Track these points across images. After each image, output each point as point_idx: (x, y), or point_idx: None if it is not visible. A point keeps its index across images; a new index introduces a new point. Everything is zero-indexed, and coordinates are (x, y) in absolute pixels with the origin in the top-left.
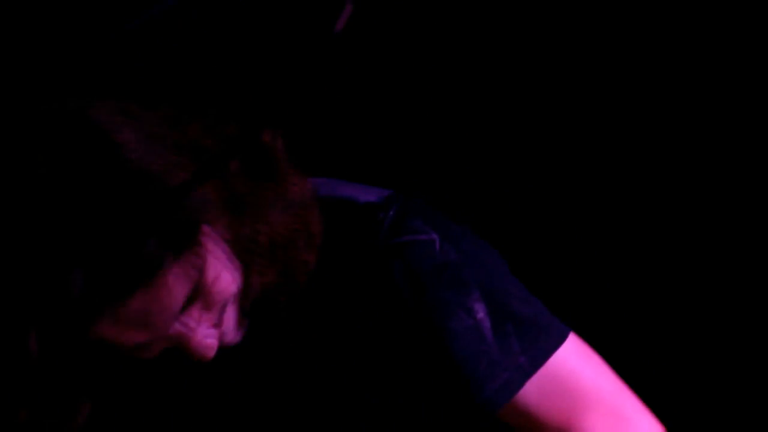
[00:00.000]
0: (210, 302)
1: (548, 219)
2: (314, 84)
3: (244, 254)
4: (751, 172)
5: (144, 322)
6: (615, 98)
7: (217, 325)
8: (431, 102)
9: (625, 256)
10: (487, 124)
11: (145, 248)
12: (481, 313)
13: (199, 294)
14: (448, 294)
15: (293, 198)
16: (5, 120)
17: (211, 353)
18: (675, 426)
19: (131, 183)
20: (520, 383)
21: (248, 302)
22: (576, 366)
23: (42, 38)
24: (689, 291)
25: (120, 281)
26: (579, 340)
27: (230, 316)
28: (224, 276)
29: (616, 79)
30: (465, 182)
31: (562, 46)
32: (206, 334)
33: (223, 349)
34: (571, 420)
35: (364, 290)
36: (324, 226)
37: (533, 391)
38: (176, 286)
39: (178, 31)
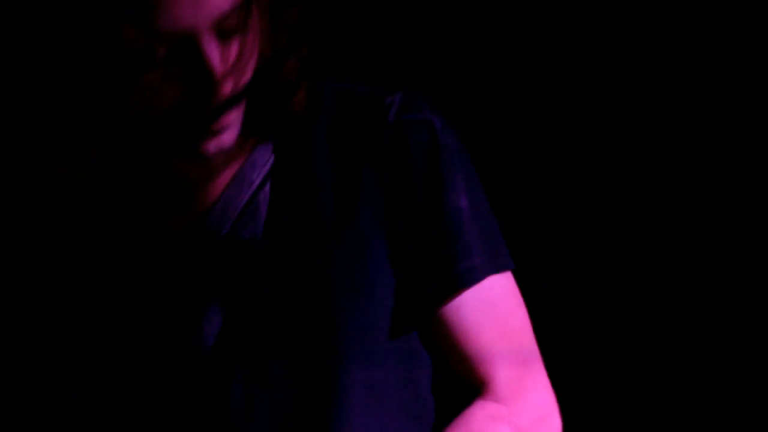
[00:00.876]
0: (235, 67)
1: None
2: None
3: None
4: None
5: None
6: (599, 97)
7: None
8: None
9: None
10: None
11: None
12: (464, 202)
13: (234, 40)
14: (447, 173)
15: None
16: None
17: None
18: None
19: None
20: (486, 273)
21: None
22: (514, 300)
23: None
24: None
25: None
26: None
27: (239, 113)
28: (252, 49)
29: (597, 78)
30: None
31: (546, 45)
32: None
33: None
34: (488, 355)
35: (378, 161)
36: (333, 106)
37: (477, 301)
38: None
39: None
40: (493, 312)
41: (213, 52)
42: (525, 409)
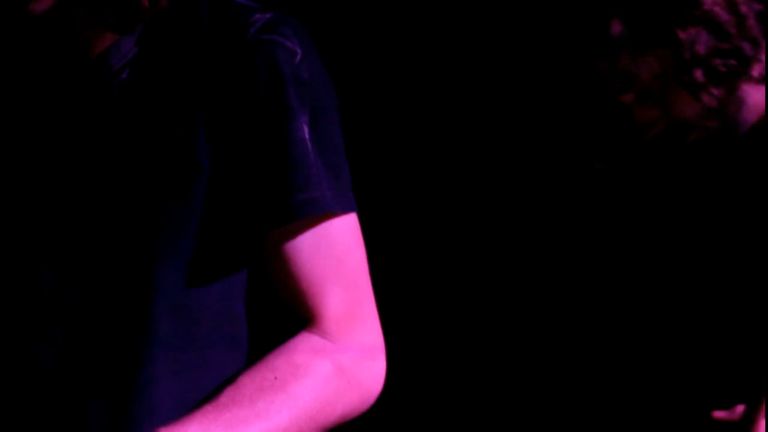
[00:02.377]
0: None
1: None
2: None
3: None
4: None
5: None
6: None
7: None
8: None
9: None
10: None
11: None
12: (308, 134)
13: None
14: (292, 102)
15: None
16: None
17: None
18: None
19: None
20: (324, 208)
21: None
22: (354, 241)
23: None
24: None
25: None
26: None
27: None
28: None
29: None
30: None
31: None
32: None
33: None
34: (320, 289)
35: (227, 78)
36: (208, 14)
37: (315, 235)
38: None
39: None
40: (330, 248)
41: None
42: (350, 347)
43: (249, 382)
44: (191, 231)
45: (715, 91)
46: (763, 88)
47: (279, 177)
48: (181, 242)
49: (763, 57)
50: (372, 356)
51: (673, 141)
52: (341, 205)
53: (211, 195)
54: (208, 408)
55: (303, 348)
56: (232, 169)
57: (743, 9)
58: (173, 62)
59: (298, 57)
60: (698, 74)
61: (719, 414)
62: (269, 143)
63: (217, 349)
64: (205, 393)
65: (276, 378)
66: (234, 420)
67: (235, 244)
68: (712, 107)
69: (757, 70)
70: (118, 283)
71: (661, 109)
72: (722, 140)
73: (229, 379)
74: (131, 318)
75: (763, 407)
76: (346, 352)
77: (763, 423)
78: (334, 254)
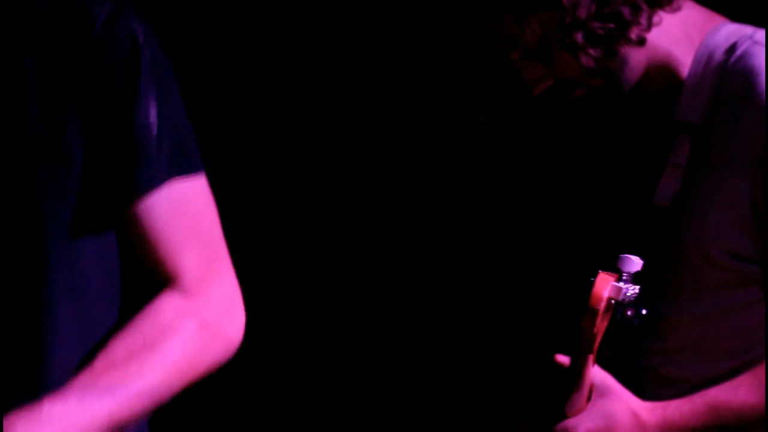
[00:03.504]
0: None
1: None
2: None
3: None
4: None
5: None
6: None
7: None
8: None
9: None
10: None
11: None
12: (154, 116)
13: None
14: (141, 88)
15: None
16: None
17: None
18: None
19: None
20: (168, 177)
21: None
22: (204, 201)
23: None
24: None
25: None
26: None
27: None
28: None
29: None
30: None
31: None
32: None
33: None
34: (177, 251)
35: (81, 74)
36: (46, 9)
37: (166, 202)
38: None
39: None
40: (183, 212)
41: None
42: (211, 303)
43: (120, 345)
44: (73, 221)
45: (593, 52)
46: (643, 50)
47: (126, 156)
48: (62, 208)
49: (643, 21)
50: (232, 309)
51: (559, 97)
52: (188, 168)
53: (84, 178)
54: (85, 374)
55: (167, 308)
56: (94, 153)
57: None
58: (24, 62)
59: (142, 41)
60: (578, 37)
61: (561, 358)
62: (119, 127)
63: (103, 306)
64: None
65: (145, 340)
66: (111, 384)
67: (103, 223)
68: (590, 67)
69: (635, 33)
70: (11, 248)
71: (547, 67)
72: (606, 98)
73: (101, 344)
74: (27, 276)
75: (591, 359)
76: (207, 309)
77: (591, 368)
78: (187, 217)
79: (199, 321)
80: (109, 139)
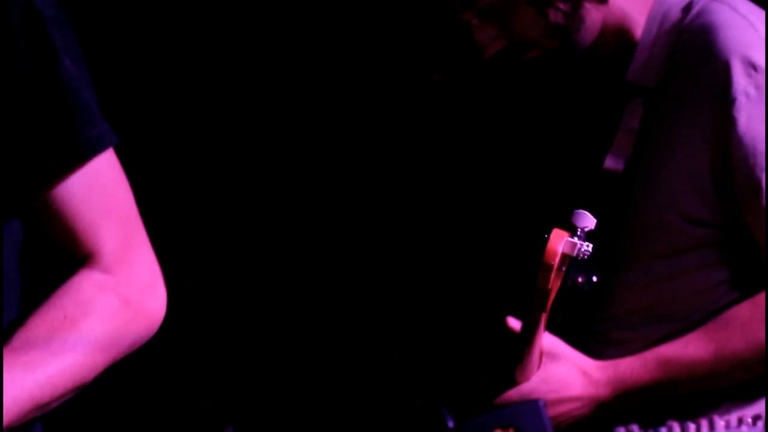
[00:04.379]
0: None
1: None
2: None
3: None
4: None
5: None
6: None
7: None
8: None
9: None
10: None
11: None
12: (75, 71)
13: None
14: (54, 41)
15: None
16: None
17: None
18: None
19: None
20: (108, 143)
21: None
22: (118, 173)
23: None
24: None
25: None
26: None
27: None
28: None
29: None
30: None
31: None
32: None
33: None
34: (95, 227)
35: None
36: None
37: (84, 175)
38: None
39: None
40: (99, 186)
41: None
42: (131, 279)
43: (40, 322)
44: None
45: (561, 6)
46: (600, 9)
47: (62, 118)
48: None
49: None
50: (153, 286)
51: (512, 59)
52: (113, 139)
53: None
54: (5, 353)
55: (87, 285)
56: (15, 124)
57: None
58: None
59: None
60: None
61: (512, 322)
62: (45, 87)
63: (14, 288)
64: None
65: (65, 317)
66: (31, 362)
67: (13, 193)
68: (557, 23)
69: None
70: None
71: (502, 28)
72: (560, 59)
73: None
74: None
75: (544, 318)
76: (128, 285)
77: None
78: (103, 191)
79: (120, 297)
80: (32, 103)
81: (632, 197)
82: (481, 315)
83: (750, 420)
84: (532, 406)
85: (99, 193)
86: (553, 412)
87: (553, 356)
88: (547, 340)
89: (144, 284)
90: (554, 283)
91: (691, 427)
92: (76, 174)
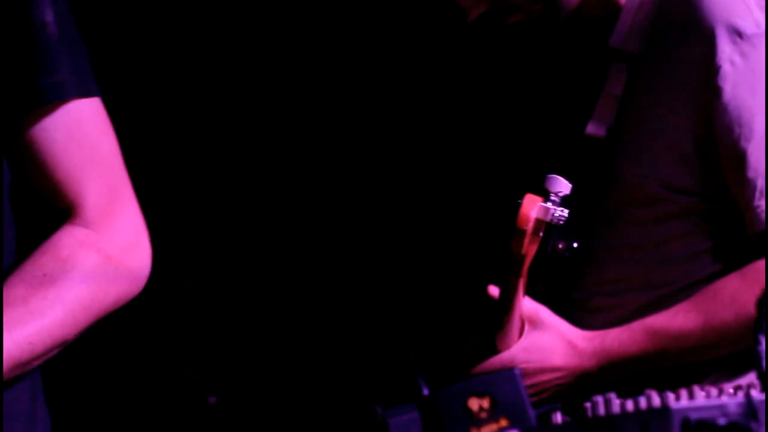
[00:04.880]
0: None
1: None
2: None
3: None
4: None
5: None
6: None
7: None
8: None
9: None
10: None
11: None
12: (50, 17)
13: None
14: None
15: None
16: None
17: None
18: None
19: None
20: (73, 93)
21: None
22: (104, 127)
23: None
24: None
25: None
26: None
27: None
28: None
29: None
30: None
31: None
32: None
33: None
34: (78, 177)
35: None
36: None
37: (65, 123)
38: None
39: None
40: (81, 136)
41: None
42: (114, 235)
43: (18, 282)
44: None
45: None
46: None
47: (25, 62)
48: None
49: None
50: (136, 240)
51: (495, 23)
52: (86, 90)
53: None
54: None
55: (67, 242)
56: None
57: None
58: None
59: None
60: None
61: (492, 289)
62: (14, 29)
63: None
64: None
65: (45, 275)
66: (10, 322)
67: None
68: None
69: None
70: None
71: None
72: (543, 23)
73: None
74: None
75: (521, 285)
76: (110, 240)
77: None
78: (86, 142)
79: (102, 253)
80: (2, 44)
81: (614, 163)
82: (461, 283)
83: (731, 390)
84: (507, 374)
85: (81, 143)
86: (533, 380)
87: (536, 324)
88: (529, 307)
89: (127, 240)
90: (529, 249)
91: (671, 396)
92: (53, 121)
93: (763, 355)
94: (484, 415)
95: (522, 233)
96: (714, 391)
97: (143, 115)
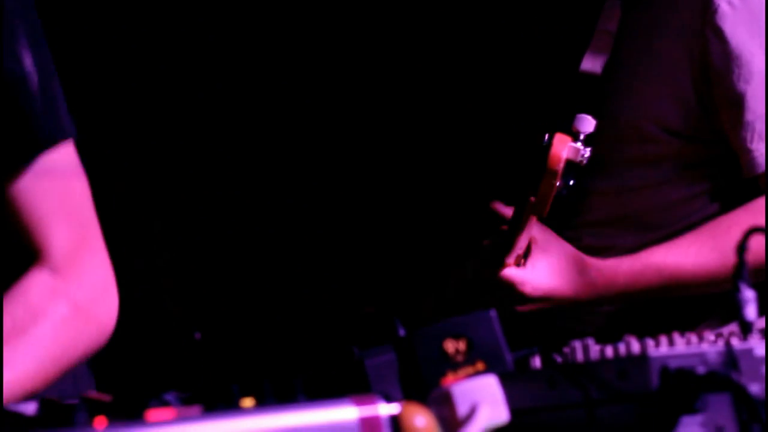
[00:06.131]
0: None
1: None
2: None
3: None
4: None
5: None
6: None
7: None
8: None
9: None
10: None
11: None
12: (31, 66)
13: None
14: (9, 34)
15: None
16: None
17: None
18: None
19: None
20: (43, 145)
21: None
22: (75, 170)
23: None
24: None
25: None
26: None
27: None
28: None
29: None
30: None
31: None
32: None
33: None
34: (46, 221)
35: None
36: None
37: (37, 169)
38: None
39: None
40: (50, 181)
41: None
42: (82, 284)
43: None
44: None
45: None
46: None
47: (12, 112)
48: None
49: None
50: (105, 291)
51: None
52: (59, 135)
53: None
54: None
55: (37, 290)
56: None
57: None
58: None
59: None
60: None
61: (497, 205)
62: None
63: None
64: None
65: (14, 324)
66: None
67: None
68: None
69: None
70: None
71: None
72: None
73: None
74: None
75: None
76: (79, 290)
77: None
78: (55, 187)
79: (70, 304)
80: None
81: (609, 102)
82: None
83: (712, 338)
84: (484, 316)
85: (49, 189)
86: (536, 305)
87: (546, 247)
88: (540, 231)
89: (95, 289)
90: (554, 188)
91: (650, 343)
92: (23, 168)
93: (744, 302)
94: (460, 358)
95: (554, 173)
96: (694, 338)
97: (143, 115)
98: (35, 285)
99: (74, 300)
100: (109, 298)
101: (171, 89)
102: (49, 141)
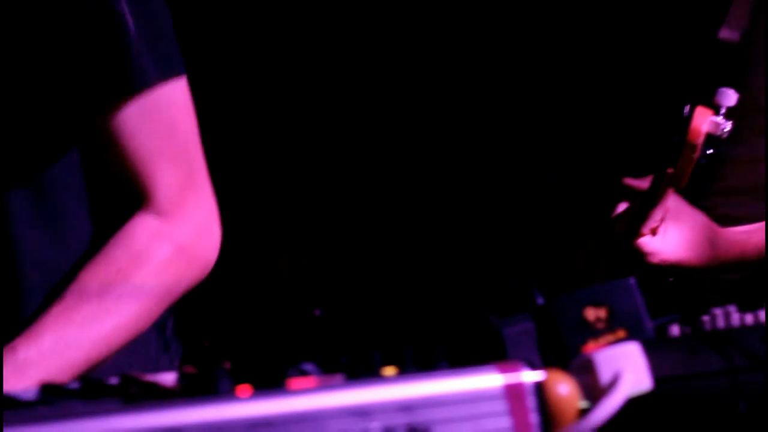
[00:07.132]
0: None
1: None
2: None
3: None
4: None
5: None
6: None
7: None
8: None
9: None
10: None
11: None
12: (130, 9)
13: None
14: None
15: None
16: None
17: None
18: None
19: None
20: (147, 82)
21: None
22: (184, 109)
23: None
24: None
25: None
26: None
27: None
28: None
29: None
30: None
31: None
32: None
33: None
34: (152, 164)
35: None
36: None
37: (143, 107)
38: None
39: None
40: (156, 121)
41: None
42: (186, 224)
43: (92, 278)
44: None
45: None
46: None
47: (107, 51)
48: (23, 130)
49: None
50: (208, 228)
51: None
52: (168, 71)
53: (45, 79)
54: (58, 310)
55: (140, 234)
56: (66, 58)
57: None
58: None
59: None
60: None
61: (629, 180)
62: (98, 25)
63: (81, 230)
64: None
65: (119, 270)
66: (86, 320)
67: (72, 127)
68: None
69: None
70: None
71: None
72: None
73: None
74: None
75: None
76: (182, 229)
77: (670, 192)
78: (160, 127)
79: (174, 245)
80: (82, 36)
81: (747, 72)
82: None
83: None
84: (624, 284)
85: (154, 129)
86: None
87: (677, 215)
88: (671, 200)
89: (198, 228)
90: (693, 162)
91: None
92: (129, 108)
93: None
94: (600, 325)
95: (693, 147)
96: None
97: None
98: (138, 229)
99: (178, 241)
100: (212, 235)
101: None
102: (154, 78)
